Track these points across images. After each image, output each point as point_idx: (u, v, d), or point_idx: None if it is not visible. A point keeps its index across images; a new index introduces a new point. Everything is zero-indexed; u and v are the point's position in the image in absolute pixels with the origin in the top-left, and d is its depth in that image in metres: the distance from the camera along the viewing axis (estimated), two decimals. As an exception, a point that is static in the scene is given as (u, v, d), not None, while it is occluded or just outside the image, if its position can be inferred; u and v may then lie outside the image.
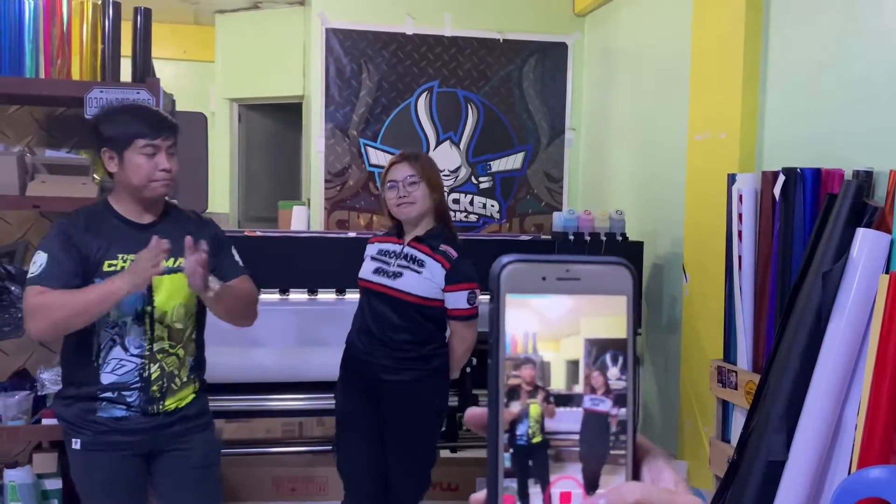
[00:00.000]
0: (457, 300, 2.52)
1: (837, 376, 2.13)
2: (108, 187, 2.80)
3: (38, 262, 2.05)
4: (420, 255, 2.52)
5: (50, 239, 2.10)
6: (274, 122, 6.17)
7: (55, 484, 2.77)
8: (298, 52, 5.17)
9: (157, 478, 2.22)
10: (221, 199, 5.91)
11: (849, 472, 2.07)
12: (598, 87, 4.64)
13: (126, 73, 2.79)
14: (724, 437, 2.90)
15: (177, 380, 2.15)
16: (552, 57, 4.77)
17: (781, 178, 2.56)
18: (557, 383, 0.49)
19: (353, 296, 3.49)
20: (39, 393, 2.77)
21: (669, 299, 3.70)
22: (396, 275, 2.51)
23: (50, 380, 2.75)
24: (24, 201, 2.68)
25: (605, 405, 0.49)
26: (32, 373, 2.88)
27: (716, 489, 2.63)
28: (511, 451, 0.48)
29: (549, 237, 3.73)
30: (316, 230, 4.51)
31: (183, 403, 2.18)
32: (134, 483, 2.18)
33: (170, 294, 2.11)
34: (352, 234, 3.84)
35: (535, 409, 0.48)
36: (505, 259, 0.49)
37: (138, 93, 2.60)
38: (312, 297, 3.51)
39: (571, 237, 3.55)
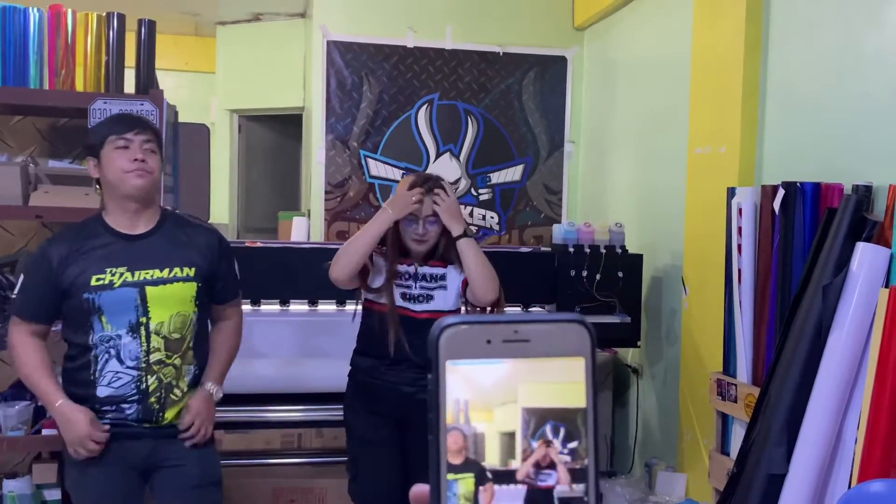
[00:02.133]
0: None
1: (837, 389, 2.14)
2: (111, 198, 2.81)
3: (18, 284, 2.15)
4: (438, 271, 2.56)
5: (31, 263, 2.16)
6: (274, 133, 6.19)
7: (54, 494, 2.76)
8: (299, 64, 5.19)
9: (156, 495, 2.20)
10: (221, 209, 5.92)
11: (849, 486, 2.07)
12: (598, 100, 4.66)
13: (130, 85, 2.81)
14: (724, 450, 2.91)
15: (176, 390, 2.12)
16: (552, 70, 4.80)
17: (781, 192, 2.57)
18: (492, 457, 0.44)
19: (353, 307, 3.50)
20: (39, 403, 2.76)
21: (669, 312, 3.71)
22: (427, 298, 2.53)
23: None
24: (27, 211, 2.69)
25: (549, 480, 0.44)
26: (33, 383, 2.87)
27: (715, 502, 2.63)
28: None
29: (549, 249, 3.74)
30: (316, 241, 4.51)
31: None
32: (128, 500, 2.16)
33: (165, 304, 2.08)
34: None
35: (466, 484, 0.43)
36: (445, 321, 0.44)
37: (142, 104, 2.61)
38: (313, 308, 3.51)
39: (571, 249, 3.56)
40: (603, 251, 3.57)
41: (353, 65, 4.59)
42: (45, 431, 2.70)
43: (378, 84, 4.61)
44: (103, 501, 2.13)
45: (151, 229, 2.13)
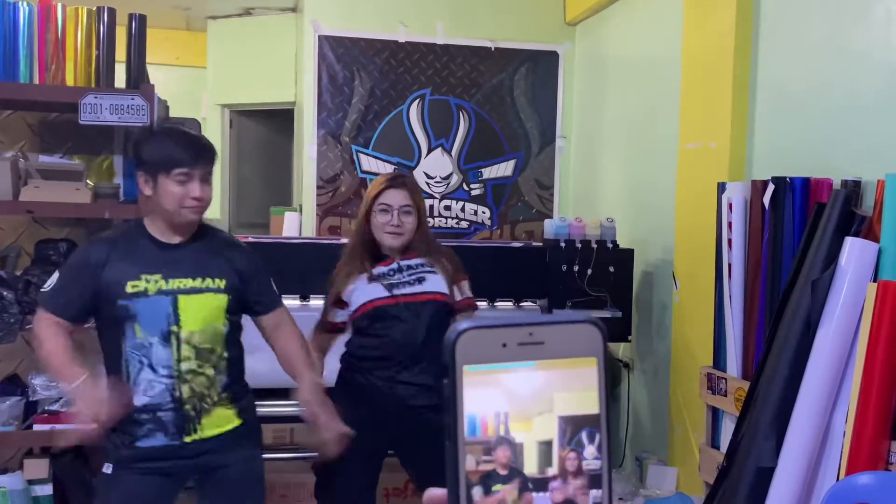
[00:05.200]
0: (463, 290, 2.53)
1: (826, 383, 2.16)
2: (103, 193, 2.81)
3: (52, 280, 2.12)
4: (419, 261, 2.49)
5: (70, 263, 2.15)
6: (265, 128, 6.17)
7: (46, 490, 2.76)
8: (290, 59, 5.18)
9: (202, 492, 2.21)
10: (212, 204, 5.88)
11: (837, 479, 2.09)
12: (589, 95, 4.67)
13: (120, 80, 2.80)
14: (714, 444, 2.93)
15: (208, 399, 2.11)
16: (543, 65, 4.81)
17: (771, 187, 2.59)
18: (530, 467, 0.44)
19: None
20: (31, 398, 2.76)
21: (660, 306, 3.73)
22: (419, 280, 2.44)
23: (41, 385, 2.75)
24: (18, 206, 2.68)
25: (584, 488, 0.45)
26: (23, 378, 2.87)
27: (705, 495, 2.64)
28: None
29: (541, 244, 3.75)
30: (308, 236, 4.51)
31: (224, 430, 2.14)
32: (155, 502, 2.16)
33: (196, 314, 2.08)
34: (344, 240, 3.84)
35: (512, 496, 0.44)
36: (460, 326, 0.44)
37: (132, 99, 2.60)
38: (304, 302, 3.51)
39: (563, 244, 3.57)
40: (594, 246, 3.58)
41: (344, 60, 4.58)
42: (35, 427, 2.70)
43: (370, 79, 4.61)
44: (127, 501, 2.11)
45: (188, 239, 2.14)
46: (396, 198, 2.42)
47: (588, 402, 0.45)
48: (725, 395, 2.79)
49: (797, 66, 2.76)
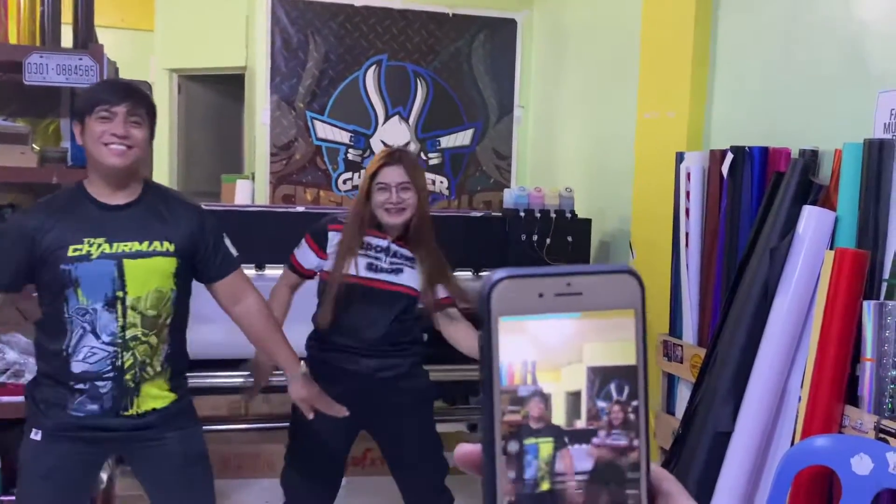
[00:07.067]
0: (440, 291, 2.52)
1: (783, 349, 2.20)
2: (49, 157, 2.70)
3: None
4: (409, 253, 2.47)
5: (2, 230, 2.09)
6: (215, 93, 6.02)
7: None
8: (241, 22, 5.04)
9: (136, 467, 2.16)
10: (160, 172, 5.73)
11: (792, 442, 2.14)
12: (548, 64, 4.65)
13: (66, 41, 2.68)
14: (670, 410, 2.98)
15: (149, 369, 2.05)
16: (501, 33, 4.77)
17: (729, 157, 2.61)
18: (558, 418, 0.43)
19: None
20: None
21: (616, 276, 3.75)
22: (396, 271, 2.43)
23: (-14, 357, 2.66)
24: (-42, 171, 2.57)
25: (618, 440, 0.44)
26: (-33, 350, 2.77)
27: (661, 461, 2.69)
28: (513, 499, 0.42)
29: (500, 214, 3.75)
30: (262, 204, 4.43)
31: (160, 405, 2.08)
32: (82, 477, 2.10)
33: (143, 279, 2.00)
34: (299, 209, 3.78)
35: (545, 448, 0.43)
36: (496, 275, 0.42)
37: (80, 59, 2.50)
38: (260, 272, 3.44)
39: (522, 214, 3.57)
40: (553, 216, 3.58)
41: (298, 23, 4.47)
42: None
43: (325, 43, 4.52)
44: (54, 474, 2.04)
45: (133, 201, 2.04)
46: (393, 175, 2.39)
47: (626, 354, 0.44)
48: (681, 362, 2.83)
49: (756, 36, 2.77)
